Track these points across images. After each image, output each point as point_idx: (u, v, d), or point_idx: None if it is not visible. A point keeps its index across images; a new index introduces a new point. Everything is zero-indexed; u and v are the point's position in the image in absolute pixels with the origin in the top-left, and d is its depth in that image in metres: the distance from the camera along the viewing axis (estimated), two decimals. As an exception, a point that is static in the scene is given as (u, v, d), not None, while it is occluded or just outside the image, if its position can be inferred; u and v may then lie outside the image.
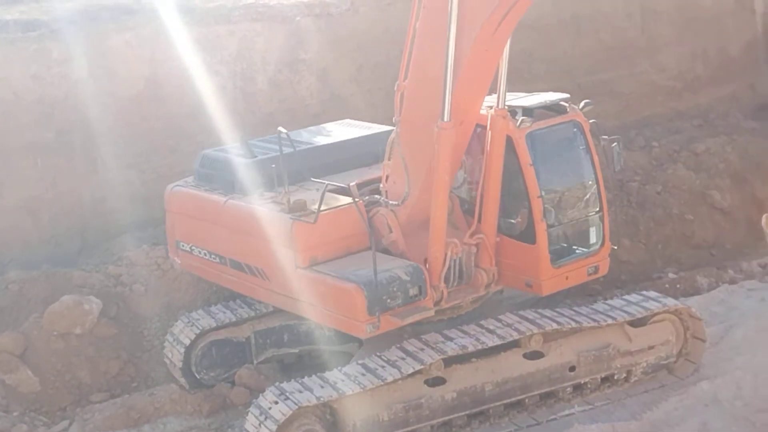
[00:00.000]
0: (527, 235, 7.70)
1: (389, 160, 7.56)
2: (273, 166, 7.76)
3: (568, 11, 12.62)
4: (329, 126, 9.80)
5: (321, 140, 9.02)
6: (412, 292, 7.23)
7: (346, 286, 7.10)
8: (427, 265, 7.40)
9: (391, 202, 7.47)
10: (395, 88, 7.45)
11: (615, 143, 8.12)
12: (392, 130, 7.86)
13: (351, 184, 7.51)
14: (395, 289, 7.10)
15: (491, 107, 7.45)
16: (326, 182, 7.45)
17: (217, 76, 11.01)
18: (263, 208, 7.87)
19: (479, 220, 7.57)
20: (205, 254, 8.53)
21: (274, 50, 11.65)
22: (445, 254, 7.42)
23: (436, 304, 7.48)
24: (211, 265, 8.59)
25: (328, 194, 7.49)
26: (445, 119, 6.79)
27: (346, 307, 7.18)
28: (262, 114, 10.86)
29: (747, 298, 10.31)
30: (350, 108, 11.30)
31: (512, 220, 7.76)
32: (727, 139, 13.45)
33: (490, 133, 7.34)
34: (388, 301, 7.08)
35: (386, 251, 7.57)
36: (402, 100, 7.31)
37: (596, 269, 8.31)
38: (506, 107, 7.46)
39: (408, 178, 7.35)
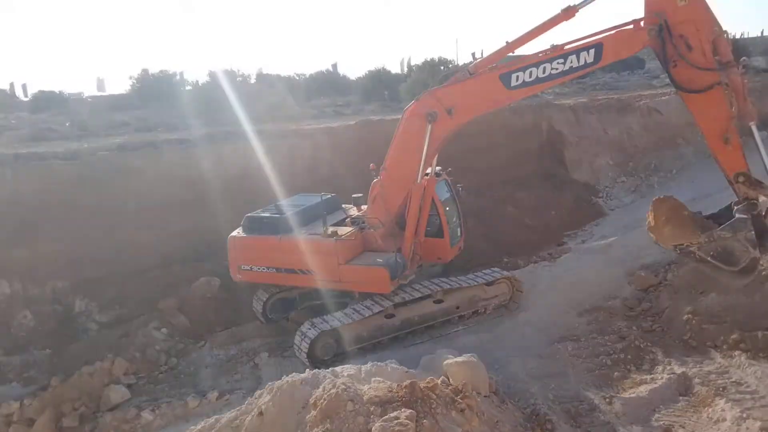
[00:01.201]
0: (439, 234, 11.89)
1: (370, 206, 11.47)
2: (324, 215, 11.31)
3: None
4: (296, 197, 12.93)
5: (307, 202, 12.30)
6: (403, 267, 11.33)
7: (377, 267, 10.91)
8: (402, 253, 11.20)
9: (376, 227, 11.38)
10: (371, 168, 11.80)
11: (460, 186, 12.63)
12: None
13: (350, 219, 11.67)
14: (397, 266, 11.16)
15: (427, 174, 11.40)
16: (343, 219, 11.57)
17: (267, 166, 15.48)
18: (313, 237, 11.23)
19: (416, 231, 11.56)
20: (262, 269, 11.72)
21: (303, 152, 16.41)
22: (410, 247, 11.53)
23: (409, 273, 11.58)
24: (267, 275, 11.79)
25: (335, 226, 11.56)
26: (419, 181, 11.11)
27: (377, 279, 10.90)
28: (295, 187, 14.71)
29: (543, 270, 14.49)
30: (342, 183, 15.40)
31: (430, 228, 11.81)
32: (530, 192, 19.04)
33: (425, 187, 11.30)
34: (396, 272, 11.07)
35: (373, 251, 11.43)
36: (384, 175, 11.10)
37: (460, 248, 12.68)
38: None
39: (386, 215, 11.33)
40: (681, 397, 8.77)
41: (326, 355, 10.91)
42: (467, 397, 7.01)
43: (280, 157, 16.24)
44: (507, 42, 10.30)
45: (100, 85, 36.24)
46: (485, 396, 7.93)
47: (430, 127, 10.58)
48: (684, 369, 9.35)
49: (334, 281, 11.21)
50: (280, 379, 7.15)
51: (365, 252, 11.48)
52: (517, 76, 10.01)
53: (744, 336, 9.67)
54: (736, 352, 9.52)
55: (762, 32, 63.73)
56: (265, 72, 40.71)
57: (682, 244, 9.67)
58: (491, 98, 10.55)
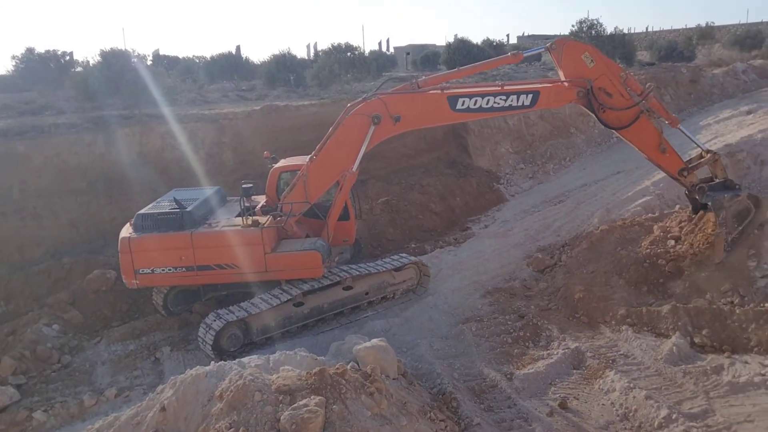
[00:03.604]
0: (345, 217, 12.00)
1: (290, 192, 11.20)
2: (242, 202, 11.10)
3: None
4: (173, 192, 12.26)
5: (203, 195, 11.95)
6: (329, 250, 11.29)
7: (310, 252, 10.79)
8: (323, 237, 11.30)
9: (293, 215, 11.17)
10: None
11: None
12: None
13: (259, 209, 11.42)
14: (325, 249, 11.07)
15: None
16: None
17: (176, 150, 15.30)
18: (233, 229, 10.78)
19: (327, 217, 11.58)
20: (169, 270, 10.71)
21: (207, 137, 15.92)
22: (333, 231, 11.57)
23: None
24: (176, 275, 10.79)
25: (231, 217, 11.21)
26: (354, 169, 11.14)
27: (310, 264, 10.80)
28: (201, 172, 14.73)
29: (448, 255, 14.83)
30: (250, 167, 15.57)
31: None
32: (436, 179, 19.08)
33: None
34: (325, 255, 10.97)
35: (287, 237, 11.26)
36: (314, 163, 11.07)
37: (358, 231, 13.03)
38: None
39: (308, 201, 11.16)
40: (575, 371, 9.34)
41: (233, 346, 10.66)
42: (376, 380, 7.10)
43: (179, 143, 15.65)
44: (458, 68, 11.90)
45: (-24, 63, 33.07)
46: (394, 379, 8.08)
47: (373, 128, 10.92)
48: (577, 344, 9.95)
49: (260, 272, 10.90)
50: (184, 373, 6.90)
51: (282, 240, 11.30)
52: (463, 101, 10.93)
53: (630, 311, 10.43)
54: (623, 327, 10.24)
55: (647, 28, 68.67)
56: (162, 53, 38.92)
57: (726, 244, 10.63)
58: (436, 115, 11.27)
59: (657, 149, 10.87)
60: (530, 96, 10.92)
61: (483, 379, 9.29)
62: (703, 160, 10.98)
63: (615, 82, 10.72)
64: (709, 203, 10.87)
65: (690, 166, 11.02)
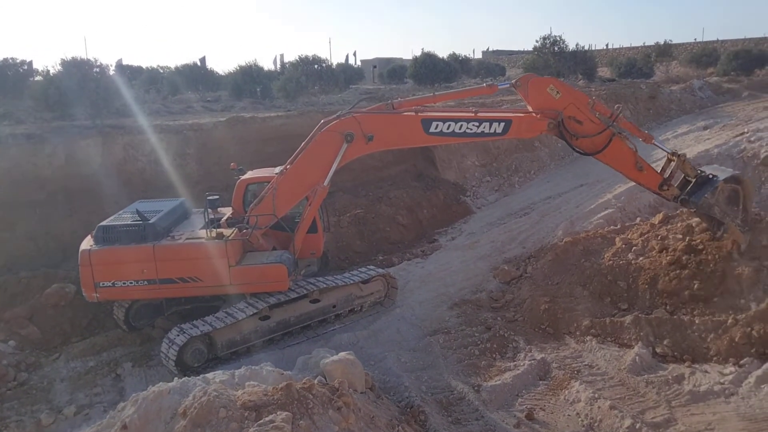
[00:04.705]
0: (313, 231, 11.90)
1: (258, 205, 11.03)
2: (207, 214, 10.86)
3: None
4: (137, 204, 11.98)
5: (167, 207, 11.74)
6: (295, 264, 11.25)
7: (275, 264, 10.66)
8: (290, 250, 11.20)
9: (259, 227, 11.02)
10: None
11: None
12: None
13: (224, 220, 11.34)
14: (290, 263, 10.98)
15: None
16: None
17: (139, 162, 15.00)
18: (197, 242, 10.64)
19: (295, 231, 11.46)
20: (131, 283, 10.48)
21: (171, 148, 15.70)
22: (300, 245, 11.49)
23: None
24: (138, 289, 10.54)
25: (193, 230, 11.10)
26: (326, 183, 11.09)
27: (275, 277, 10.68)
28: (165, 184, 14.52)
29: (416, 267, 14.92)
30: (216, 179, 15.48)
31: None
32: (403, 191, 19.19)
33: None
34: (290, 269, 10.86)
35: (253, 249, 11.14)
36: (285, 176, 10.97)
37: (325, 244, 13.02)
38: None
39: (275, 215, 10.99)
40: (541, 381, 9.43)
41: (197, 361, 10.45)
42: (344, 395, 7.03)
43: (142, 155, 15.38)
44: (434, 93, 12.21)
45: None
46: (362, 392, 8.01)
47: (345, 146, 10.93)
48: (543, 355, 10.06)
49: (224, 285, 10.74)
50: (146, 390, 6.72)
51: (247, 253, 11.17)
52: (437, 125, 10.99)
53: (594, 322, 10.60)
54: (588, 338, 10.41)
55: (607, 45, 70.59)
56: (125, 63, 38.30)
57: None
58: (409, 137, 11.30)
59: (634, 168, 11.00)
60: (502, 124, 11.04)
61: (451, 392, 9.30)
62: (672, 165, 11.07)
63: (583, 109, 10.86)
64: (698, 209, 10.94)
65: (666, 177, 11.09)
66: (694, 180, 10.94)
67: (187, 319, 10.82)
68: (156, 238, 10.73)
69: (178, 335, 10.28)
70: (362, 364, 8.44)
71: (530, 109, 11.23)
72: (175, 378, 7.22)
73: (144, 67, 38.39)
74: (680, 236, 11.62)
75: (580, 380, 9.09)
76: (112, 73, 24.48)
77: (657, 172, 11.17)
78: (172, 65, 34.59)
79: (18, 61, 25.04)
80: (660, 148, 11.54)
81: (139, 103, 20.98)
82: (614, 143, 10.89)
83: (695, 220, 11.72)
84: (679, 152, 11.11)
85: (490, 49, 78.12)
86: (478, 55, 69.06)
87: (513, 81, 11.42)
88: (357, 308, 12.49)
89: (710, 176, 10.87)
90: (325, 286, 11.80)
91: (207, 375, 7.39)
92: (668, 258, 11.09)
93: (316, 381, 7.15)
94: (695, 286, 10.41)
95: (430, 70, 35.29)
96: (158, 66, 37.49)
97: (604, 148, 10.91)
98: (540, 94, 10.96)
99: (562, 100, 10.85)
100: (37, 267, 13.28)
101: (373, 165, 19.92)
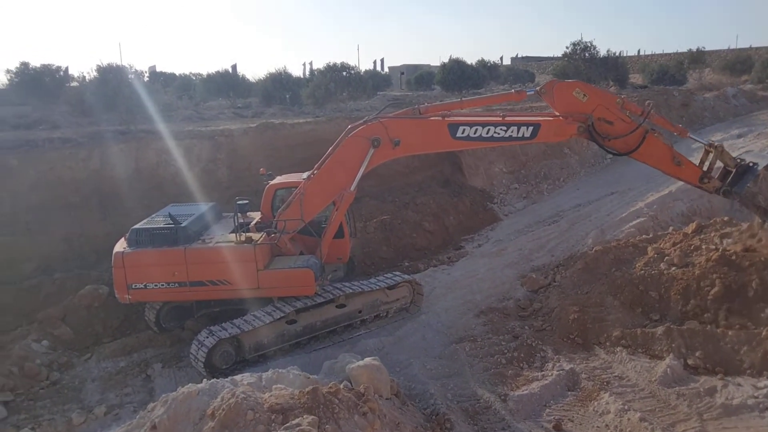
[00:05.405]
0: (340, 236, 11.92)
1: (286, 210, 11.12)
2: (236, 218, 10.99)
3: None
4: (169, 207, 12.19)
5: (199, 211, 11.89)
6: (322, 268, 11.28)
7: (302, 269, 10.76)
8: (317, 255, 11.22)
9: (287, 232, 11.11)
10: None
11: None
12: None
13: (250, 226, 11.44)
14: (318, 267, 11.04)
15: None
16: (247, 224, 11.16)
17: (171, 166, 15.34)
18: (227, 245, 10.75)
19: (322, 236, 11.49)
20: (162, 285, 10.65)
21: (202, 153, 15.97)
22: (327, 250, 11.52)
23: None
24: (169, 291, 10.73)
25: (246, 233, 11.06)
26: (352, 188, 11.14)
27: (302, 281, 10.76)
28: (196, 188, 14.80)
29: (442, 273, 14.72)
30: (245, 184, 15.58)
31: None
32: (430, 197, 19.10)
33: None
34: (318, 274, 10.95)
35: (281, 254, 11.23)
36: (312, 181, 11.04)
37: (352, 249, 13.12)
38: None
39: (303, 218, 11.02)
40: (569, 392, 9.26)
41: (225, 363, 10.56)
42: (369, 400, 7.03)
43: (174, 159, 15.65)
44: (462, 99, 12.21)
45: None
46: (387, 399, 8.00)
47: (372, 151, 10.90)
48: (572, 365, 9.90)
49: (253, 289, 10.83)
50: (175, 390, 6.82)
51: (275, 257, 11.26)
52: (464, 130, 10.88)
53: (625, 333, 10.41)
54: (618, 349, 10.21)
55: (638, 51, 69.63)
56: (159, 70, 39.10)
57: None
58: (436, 142, 11.24)
59: (672, 163, 10.80)
60: (531, 128, 10.91)
61: (477, 400, 9.21)
62: (711, 156, 10.84)
63: (612, 109, 10.68)
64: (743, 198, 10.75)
65: (706, 170, 10.87)
66: (734, 170, 10.67)
67: (216, 322, 10.95)
68: (187, 242, 10.86)
69: (208, 337, 10.39)
70: (387, 370, 8.41)
71: (557, 114, 11.09)
72: (204, 379, 7.31)
73: (177, 74, 39.15)
74: (714, 246, 11.36)
75: (609, 391, 8.93)
76: (146, 79, 25.04)
77: (696, 165, 10.94)
78: (204, 72, 35.18)
79: (54, 67, 25.75)
80: (696, 140, 11.36)
81: (171, 109, 21.37)
82: (648, 140, 10.68)
83: (729, 230, 11.46)
84: (716, 143, 10.88)
85: (519, 56, 77.69)
86: (507, 62, 68.65)
87: (537, 88, 11.30)
88: (383, 314, 12.45)
89: (750, 164, 10.63)
90: (351, 291, 11.79)
91: (235, 377, 7.48)
92: (701, 268, 10.84)
93: (342, 386, 7.17)
94: (729, 297, 10.15)
95: (459, 77, 35.24)
96: (191, 73, 38.22)
97: (638, 146, 10.72)
98: (566, 98, 10.82)
99: (590, 102, 10.70)
100: (71, 268, 13.59)
101: (400, 171, 19.93)
